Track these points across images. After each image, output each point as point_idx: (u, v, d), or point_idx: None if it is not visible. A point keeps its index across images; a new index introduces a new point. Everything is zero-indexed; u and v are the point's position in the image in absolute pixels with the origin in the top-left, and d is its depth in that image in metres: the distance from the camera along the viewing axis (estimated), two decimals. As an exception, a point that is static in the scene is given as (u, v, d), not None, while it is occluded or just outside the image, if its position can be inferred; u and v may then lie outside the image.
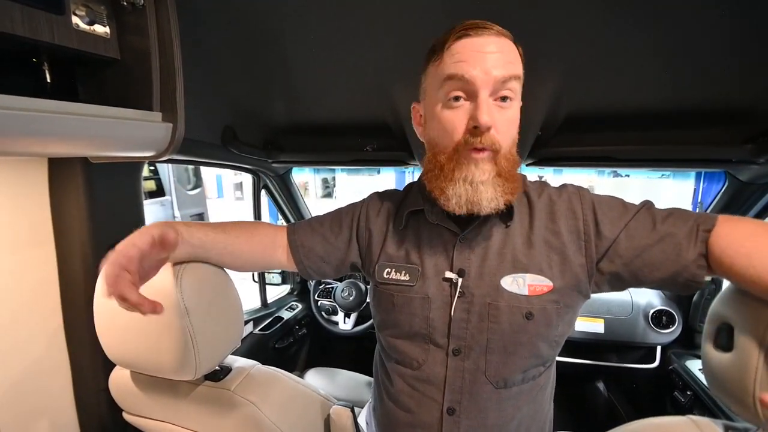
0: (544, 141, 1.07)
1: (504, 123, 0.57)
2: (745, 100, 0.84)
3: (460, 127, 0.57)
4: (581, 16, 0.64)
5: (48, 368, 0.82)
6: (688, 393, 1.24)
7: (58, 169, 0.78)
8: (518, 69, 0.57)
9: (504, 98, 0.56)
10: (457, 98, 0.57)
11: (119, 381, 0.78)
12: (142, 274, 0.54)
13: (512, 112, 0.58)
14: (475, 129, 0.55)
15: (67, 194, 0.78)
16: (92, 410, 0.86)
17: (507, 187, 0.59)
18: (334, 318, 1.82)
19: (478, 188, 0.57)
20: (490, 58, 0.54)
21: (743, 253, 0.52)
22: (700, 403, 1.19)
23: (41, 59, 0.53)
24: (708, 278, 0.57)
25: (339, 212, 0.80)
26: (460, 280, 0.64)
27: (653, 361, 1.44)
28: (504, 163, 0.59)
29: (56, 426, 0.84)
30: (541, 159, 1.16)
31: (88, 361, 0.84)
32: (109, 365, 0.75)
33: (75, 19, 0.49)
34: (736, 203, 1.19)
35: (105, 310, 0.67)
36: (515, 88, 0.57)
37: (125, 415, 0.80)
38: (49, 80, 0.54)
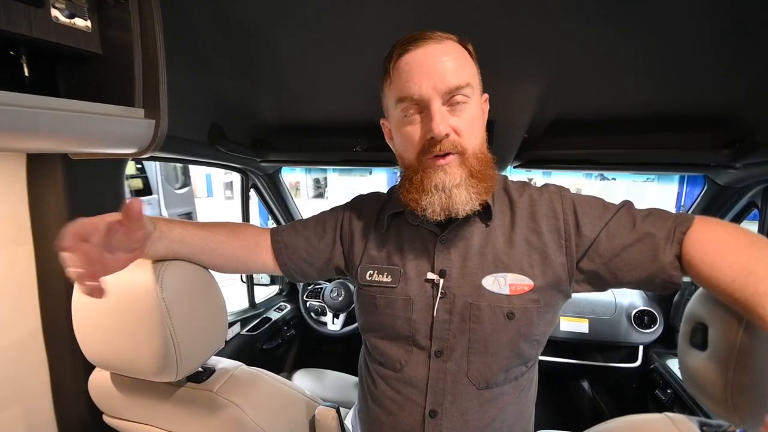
0: (531, 144, 1.09)
1: (464, 125, 0.58)
2: (723, 107, 0.86)
3: (418, 140, 0.59)
4: (566, 21, 0.65)
5: (25, 370, 0.80)
6: (669, 391, 1.27)
7: (37, 164, 0.76)
8: (467, 75, 0.57)
9: (458, 102, 0.57)
10: (412, 112, 0.58)
11: (99, 383, 0.76)
12: (110, 260, 0.51)
13: (470, 113, 0.58)
14: (432, 140, 0.56)
15: (47, 191, 0.76)
16: (71, 413, 0.84)
17: (481, 187, 0.59)
18: (323, 319, 1.81)
19: (452, 193, 0.58)
20: (434, 71, 0.55)
21: (708, 263, 0.53)
22: (680, 401, 1.22)
23: (19, 52, 0.51)
24: (687, 279, 0.58)
25: (323, 215, 0.80)
26: (441, 281, 0.64)
27: (636, 360, 1.47)
28: (474, 162, 0.59)
29: (34, 429, 0.82)
30: (528, 161, 1.18)
31: (67, 363, 0.82)
32: (89, 367, 0.74)
33: (54, 12, 0.48)
34: (714, 206, 1.22)
35: (84, 310, 0.66)
36: (468, 93, 0.57)
37: (105, 418, 0.79)
38: (27, 74, 0.52)
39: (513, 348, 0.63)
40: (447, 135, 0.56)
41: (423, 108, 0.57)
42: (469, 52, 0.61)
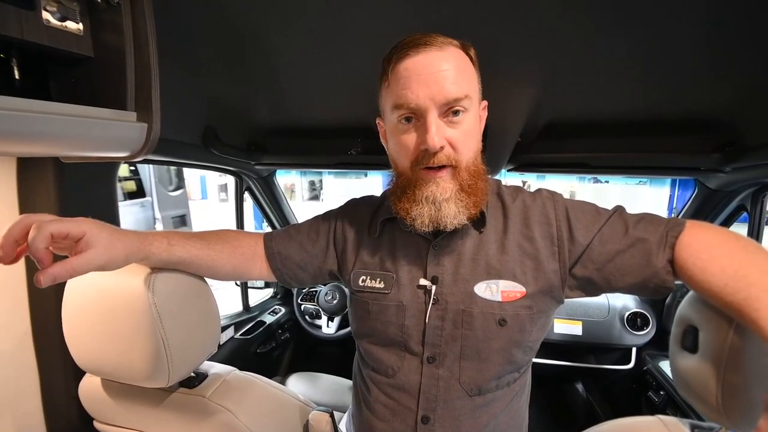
0: (525, 147, 1.09)
1: (459, 137, 0.57)
2: (713, 111, 0.87)
3: (413, 149, 0.58)
4: (559, 26, 0.66)
5: (15, 375, 0.79)
6: (662, 393, 1.28)
7: (28, 168, 0.75)
8: (466, 87, 0.56)
9: (456, 112, 0.56)
10: (408, 119, 0.57)
11: (90, 389, 0.75)
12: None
13: (467, 124, 0.58)
14: (426, 151, 0.56)
15: (37, 195, 0.75)
16: (62, 419, 0.83)
17: (470, 201, 0.59)
18: (318, 322, 1.81)
19: (441, 206, 0.58)
20: (433, 81, 0.54)
21: (699, 267, 0.53)
22: (672, 402, 1.23)
23: (10, 55, 0.51)
24: (679, 282, 0.58)
25: (316, 219, 0.80)
26: (433, 287, 0.64)
27: (629, 362, 1.48)
28: (466, 176, 0.59)
29: (22, 436, 0.80)
30: (521, 165, 1.19)
31: (58, 368, 0.81)
32: (80, 372, 0.73)
33: (46, 15, 0.48)
34: (705, 210, 1.24)
35: (74, 315, 0.65)
36: (467, 104, 0.56)
37: (96, 424, 0.78)
38: (18, 77, 0.52)
39: (505, 355, 0.63)
40: (442, 148, 0.56)
41: (419, 117, 0.57)
42: (471, 59, 0.59)
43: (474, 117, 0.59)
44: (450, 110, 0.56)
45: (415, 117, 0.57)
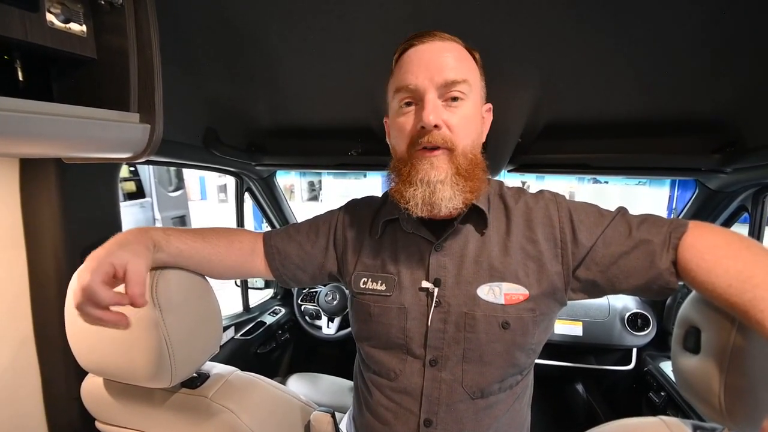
0: (525, 148, 1.09)
1: (456, 121, 0.58)
2: (713, 112, 0.87)
3: (410, 129, 0.59)
4: (559, 27, 0.66)
5: (17, 376, 0.79)
6: (662, 394, 1.28)
7: (31, 169, 0.75)
8: (465, 73, 0.57)
9: (454, 98, 0.57)
10: (408, 103, 0.59)
11: (92, 389, 0.75)
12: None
13: (465, 110, 0.58)
14: (423, 129, 0.57)
15: (40, 196, 0.76)
16: (63, 420, 0.83)
17: (466, 186, 0.58)
18: (318, 322, 1.81)
19: (436, 188, 0.57)
20: (433, 63, 0.56)
21: (704, 268, 0.53)
22: (673, 403, 1.23)
23: (13, 57, 0.51)
24: (682, 283, 0.58)
25: (317, 219, 0.79)
26: (436, 290, 0.63)
27: (629, 362, 1.47)
28: (462, 160, 0.59)
29: (24, 437, 0.80)
30: (522, 165, 1.19)
31: (60, 369, 0.81)
32: (82, 372, 0.73)
33: (50, 17, 0.48)
34: (705, 210, 1.24)
35: (76, 316, 0.65)
36: (465, 90, 0.57)
37: (98, 425, 0.77)
38: (21, 79, 0.52)
39: (508, 358, 0.63)
40: (437, 126, 0.56)
41: (418, 99, 0.58)
42: (475, 59, 0.62)
43: (473, 106, 0.60)
44: (448, 94, 0.57)
45: (414, 101, 0.58)
